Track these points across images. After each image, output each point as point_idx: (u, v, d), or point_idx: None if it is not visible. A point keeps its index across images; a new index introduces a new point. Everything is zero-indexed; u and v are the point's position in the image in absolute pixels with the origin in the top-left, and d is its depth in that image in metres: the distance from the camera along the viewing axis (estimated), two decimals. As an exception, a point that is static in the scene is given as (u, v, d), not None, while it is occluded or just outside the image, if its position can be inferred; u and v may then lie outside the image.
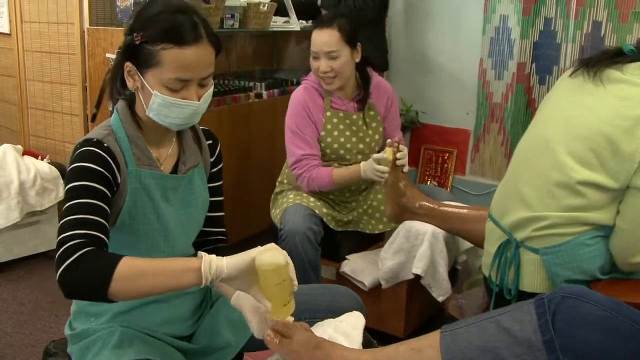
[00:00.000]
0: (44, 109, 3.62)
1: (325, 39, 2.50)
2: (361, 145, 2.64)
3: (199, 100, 1.46)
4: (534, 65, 3.95)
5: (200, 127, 1.68)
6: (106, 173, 1.42)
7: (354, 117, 2.62)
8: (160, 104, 1.44)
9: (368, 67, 2.68)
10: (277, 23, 3.92)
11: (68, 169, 1.42)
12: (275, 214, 2.64)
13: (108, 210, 1.40)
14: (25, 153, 3.50)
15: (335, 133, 2.60)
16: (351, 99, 2.65)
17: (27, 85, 3.70)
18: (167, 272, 1.29)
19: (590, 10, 3.64)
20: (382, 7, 3.75)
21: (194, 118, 1.49)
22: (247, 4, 3.50)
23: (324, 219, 2.51)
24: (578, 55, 3.68)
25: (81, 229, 1.32)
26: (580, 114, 1.65)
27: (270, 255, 1.31)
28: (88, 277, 1.26)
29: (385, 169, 2.38)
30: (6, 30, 3.70)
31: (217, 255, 1.42)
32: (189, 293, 1.62)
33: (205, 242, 1.72)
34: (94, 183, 1.39)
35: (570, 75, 1.75)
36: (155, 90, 1.43)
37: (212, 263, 1.29)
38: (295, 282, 1.36)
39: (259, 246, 1.35)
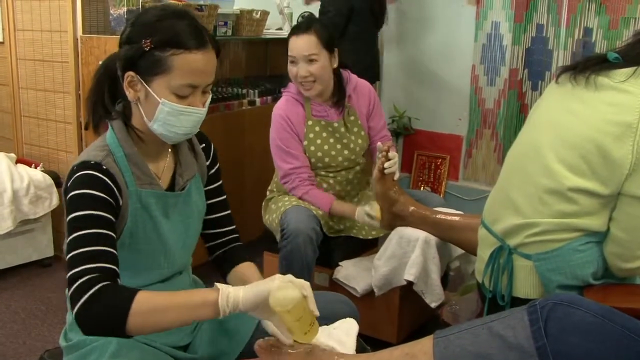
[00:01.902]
0: (38, 117, 3.62)
1: (303, 43, 2.51)
2: (346, 152, 2.65)
3: (203, 106, 1.46)
4: (526, 71, 3.98)
5: None
6: (108, 198, 1.39)
7: (335, 124, 2.63)
8: (169, 113, 1.41)
9: (345, 70, 2.69)
10: (270, 30, 3.94)
11: (68, 196, 1.38)
12: (272, 219, 2.63)
13: (115, 236, 1.39)
14: (18, 161, 3.50)
15: (319, 141, 2.61)
16: (330, 104, 2.66)
17: (21, 93, 3.70)
18: (184, 306, 1.29)
19: (581, 17, 3.67)
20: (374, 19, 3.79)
21: (197, 126, 1.49)
22: (240, 11, 3.51)
23: (321, 221, 2.53)
24: (570, 62, 3.70)
25: (92, 263, 1.30)
26: (569, 121, 1.66)
27: (284, 294, 1.29)
28: (106, 315, 1.26)
29: (376, 224, 2.45)
30: (-1, 38, 3.71)
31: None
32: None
33: (220, 245, 1.74)
34: (98, 211, 1.36)
35: (557, 81, 1.77)
36: (162, 99, 1.40)
37: (229, 297, 1.29)
38: (316, 312, 1.37)
39: (277, 276, 1.33)
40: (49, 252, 3.49)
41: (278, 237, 2.57)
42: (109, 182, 1.40)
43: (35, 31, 3.50)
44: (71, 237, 1.34)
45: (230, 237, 1.75)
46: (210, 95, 1.49)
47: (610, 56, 1.66)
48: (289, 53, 2.55)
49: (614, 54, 1.66)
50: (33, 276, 3.38)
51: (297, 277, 1.38)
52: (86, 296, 1.25)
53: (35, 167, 3.45)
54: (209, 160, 1.69)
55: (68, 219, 1.36)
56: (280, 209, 2.55)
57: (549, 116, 1.75)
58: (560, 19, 3.75)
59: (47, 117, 3.57)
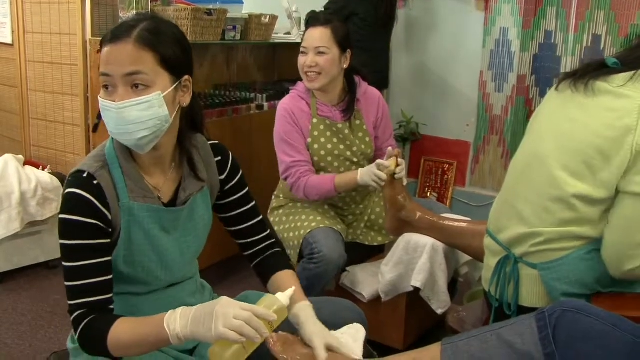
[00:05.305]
0: (46, 119, 3.64)
1: (317, 35, 2.53)
2: (349, 153, 2.63)
3: (120, 100, 1.37)
4: (534, 77, 3.97)
5: (210, 142, 1.63)
6: (96, 222, 1.40)
7: (340, 125, 2.61)
8: (101, 109, 1.41)
9: (357, 76, 2.69)
10: (278, 34, 3.94)
11: (59, 215, 1.41)
12: (287, 232, 2.59)
13: (108, 259, 1.43)
14: (26, 163, 3.51)
15: (323, 140, 2.59)
16: (337, 106, 2.64)
17: (29, 96, 3.72)
18: (153, 343, 1.36)
19: (589, 24, 3.66)
20: (384, 19, 3.78)
21: (130, 126, 1.37)
22: (249, 15, 3.52)
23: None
24: (577, 69, 3.69)
25: (81, 298, 1.39)
26: (570, 127, 1.66)
27: (220, 355, 1.30)
28: (94, 351, 1.40)
29: (383, 175, 2.34)
30: (9, 40, 3.72)
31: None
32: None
33: (257, 253, 1.73)
34: (87, 240, 1.39)
35: (556, 88, 1.77)
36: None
37: (179, 338, 1.31)
38: (255, 340, 1.30)
39: (221, 312, 1.27)
40: (56, 254, 3.49)
41: (293, 253, 2.55)
42: (95, 202, 1.40)
43: (45, 34, 3.52)
44: (64, 265, 1.41)
45: (266, 243, 1.74)
46: (149, 96, 1.37)
47: (609, 61, 1.66)
48: (302, 44, 2.58)
49: (613, 59, 1.66)
50: (40, 278, 3.38)
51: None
52: (78, 332, 1.39)
53: (43, 169, 3.46)
54: (224, 175, 1.66)
55: (59, 241, 1.41)
56: (300, 229, 2.51)
57: (551, 124, 1.74)
58: (568, 25, 3.74)
59: (55, 119, 3.58)
